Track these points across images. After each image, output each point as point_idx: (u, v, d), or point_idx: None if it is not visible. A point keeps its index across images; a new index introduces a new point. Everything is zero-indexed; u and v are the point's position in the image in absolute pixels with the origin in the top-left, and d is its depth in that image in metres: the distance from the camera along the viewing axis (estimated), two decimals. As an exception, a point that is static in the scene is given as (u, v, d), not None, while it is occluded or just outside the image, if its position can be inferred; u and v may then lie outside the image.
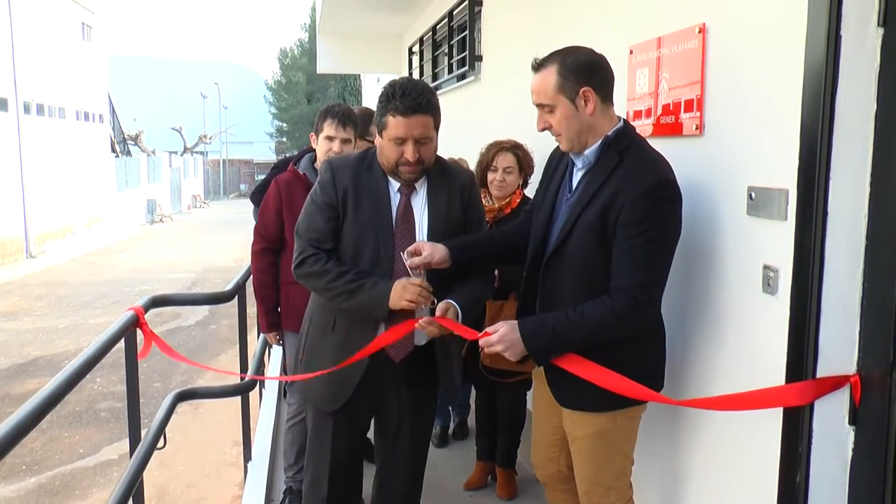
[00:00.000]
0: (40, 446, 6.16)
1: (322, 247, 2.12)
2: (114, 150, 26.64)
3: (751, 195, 1.82)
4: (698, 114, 2.07)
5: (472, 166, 3.14)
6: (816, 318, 1.60)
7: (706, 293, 2.05)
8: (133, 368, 2.42)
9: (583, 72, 1.87)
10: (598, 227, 1.86)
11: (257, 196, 3.23)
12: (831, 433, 1.63)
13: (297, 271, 2.15)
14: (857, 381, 1.59)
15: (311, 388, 2.24)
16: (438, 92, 5.93)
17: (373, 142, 2.26)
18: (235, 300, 3.61)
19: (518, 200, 3.01)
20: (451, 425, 3.93)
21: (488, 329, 1.92)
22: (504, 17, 4.21)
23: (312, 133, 3.01)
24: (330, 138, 2.89)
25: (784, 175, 1.69)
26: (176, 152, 36.16)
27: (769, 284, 1.76)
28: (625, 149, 1.88)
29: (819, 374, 1.61)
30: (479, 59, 4.70)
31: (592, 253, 1.88)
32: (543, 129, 1.96)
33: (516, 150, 3.01)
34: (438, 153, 2.21)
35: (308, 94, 40.80)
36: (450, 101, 5.60)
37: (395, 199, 2.14)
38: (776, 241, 1.73)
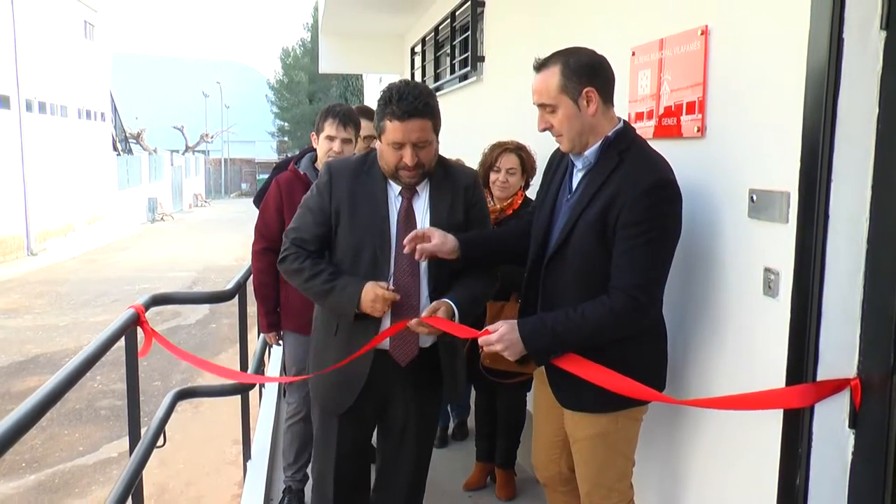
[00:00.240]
0: (40, 444, 6.16)
1: (305, 247, 2.15)
2: (115, 148, 26.66)
3: (752, 197, 1.82)
4: (700, 116, 2.07)
5: (471, 167, 3.13)
6: (817, 321, 1.60)
7: (707, 295, 2.05)
8: (133, 366, 2.43)
9: (586, 72, 1.88)
10: (599, 228, 1.86)
11: (260, 199, 3.22)
12: (831, 436, 1.63)
13: (280, 267, 2.22)
14: (858, 384, 1.59)
15: (319, 390, 2.25)
16: (440, 93, 5.93)
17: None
18: (236, 299, 3.61)
19: (520, 202, 3.01)
20: (451, 426, 3.93)
21: (488, 328, 1.93)
22: (506, 17, 4.21)
23: (313, 132, 3.01)
24: (330, 138, 2.89)
25: (785, 178, 1.68)
26: (177, 151, 36.18)
27: (770, 287, 1.76)
28: (625, 149, 1.89)
29: (819, 378, 1.61)
30: (482, 59, 4.70)
31: (593, 253, 1.89)
32: (544, 130, 1.96)
33: (519, 151, 3.02)
34: (441, 154, 2.21)
35: (310, 93, 40.81)
36: (452, 101, 5.60)
37: (397, 202, 2.13)
38: (777, 244, 1.73)
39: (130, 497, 2.13)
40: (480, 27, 4.77)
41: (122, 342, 2.31)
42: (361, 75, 19.13)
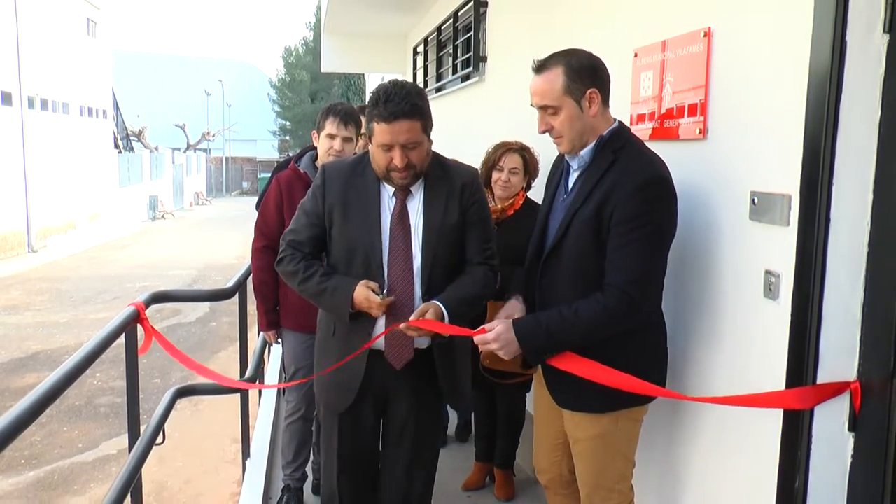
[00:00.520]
0: (39, 440, 6.17)
1: (301, 249, 2.18)
2: (117, 145, 26.67)
3: (753, 200, 1.81)
4: (702, 118, 2.07)
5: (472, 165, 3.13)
6: (818, 324, 1.60)
7: (707, 297, 2.05)
8: (133, 364, 2.43)
9: (588, 74, 1.90)
10: (594, 225, 1.87)
11: (261, 202, 3.22)
12: (831, 439, 1.63)
13: (277, 269, 2.25)
14: (858, 387, 1.59)
15: (320, 390, 2.28)
16: (442, 93, 5.93)
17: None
18: (236, 297, 3.61)
19: (521, 202, 3.01)
20: (451, 426, 3.93)
21: (483, 326, 1.94)
22: (509, 18, 4.21)
23: (314, 131, 3.01)
24: (331, 136, 2.89)
25: (787, 180, 1.68)
26: (179, 149, 36.19)
27: (770, 290, 1.75)
28: (619, 148, 1.91)
29: (819, 380, 1.61)
30: (484, 60, 4.70)
31: (588, 251, 1.90)
32: (545, 132, 1.97)
33: (523, 151, 3.02)
34: (443, 153, 2.21)
35: (312, 92, 40.83)
36: (453, 101, 5.60)
37: (391, 203, 2.13)
38: (778, 247, 1.73)
39: (129, 494, 2.13)
40: (483, 27, 4.77)
41: (121, 339, 2.31)
42: (364, 75, 19.13)
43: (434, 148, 2.18)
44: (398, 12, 6.96)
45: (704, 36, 2.04)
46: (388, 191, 2.13)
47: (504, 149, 3.02)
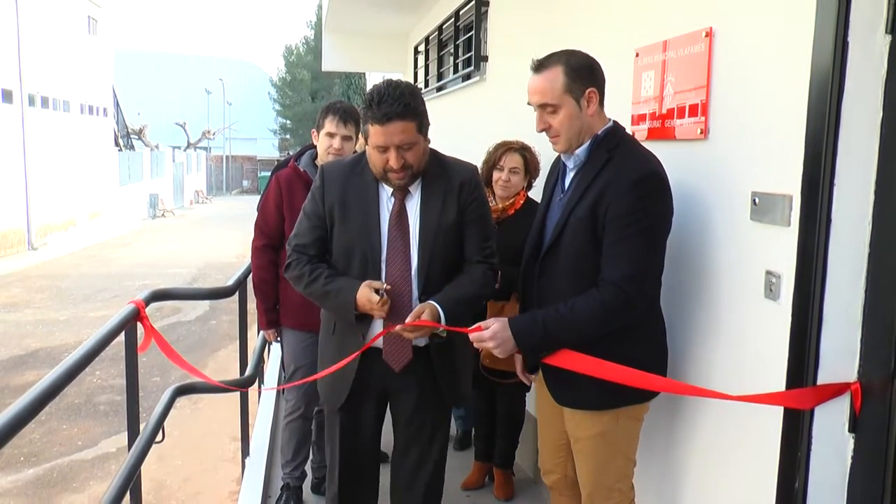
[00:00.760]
0: (39, 438, 6.17)
1: (306, 252, 2.19)
2: (117, 144, 26.66)
3: (754, 200, 1.81)
4: (703, 118, 2.06)
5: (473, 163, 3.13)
6: (818, 325, 1.60)
7: (707, 297, 2.04)
8: (133, 362, 2.43)
9: (587, 73, 1.93)
10: (590, 223, 1.89)
11: None
12: (831, 440, 1.62)
13: (285, 275, 2.25)
14: (858, 388, 1.58)
15: (321, 386, 2.31)
16: (443, 92, 5.92)
17: None
18: (236, 296, 3.61)
19: (522, 202, 3.01)
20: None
21: (480, 324, 1.94)
22: (510, 18, 4.21)
23: (314, 129, 3.01)
24: (331, 135, 2.89)
25: (788, 181, 1.68)
26: (179, 147, 36.20)
27: (771, 290, 1.75)
28: (614, 147, 1.93)
29: (820, 381, 1.61)
30: (485, 59, 4.69)
31: (585, 249, 1.91)
32: (542, 130, 1.97)
33: (524, 151, 3.02)
34: (443, 152, 2.21)
35: (312, 91, 40.82)
36: (454, 101, 5.59)
37: (389, 203, 2.13)
38: (779, 247, 1.72)
39: (129, 492, 2.13)
40: (484, 27, 4.77)
41: (121, 337, 2.31)
42: (364, 74, 19.13)
43: (435, 147, 2.18)
44: (399, 11, 6.96)
45: (706, 36, 2.04)
46: (386, 191, 2.13)
47: (505, 148, 3.02)
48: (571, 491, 2.22)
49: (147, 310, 2.47)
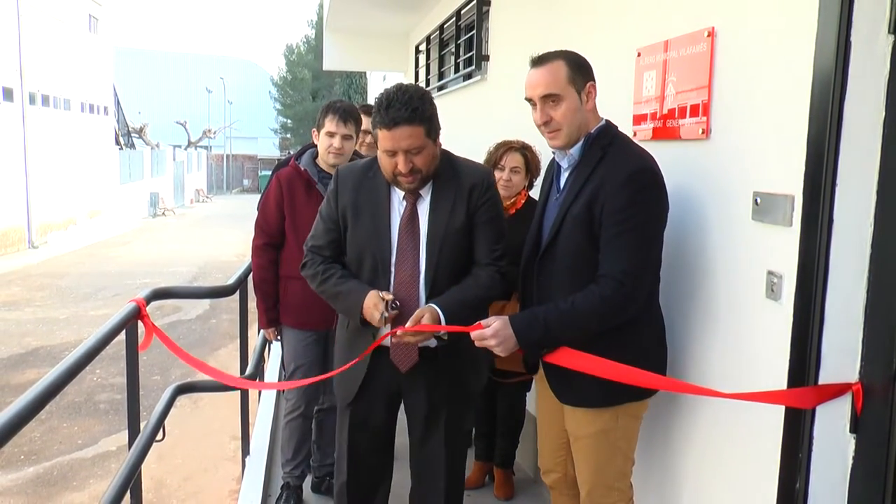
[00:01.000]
0: (39, 436, 6.17)
1: (321, 253, 2.23)
2: (118, 142, 26.66)
3: (756, 200, 1.81)
4: (705, 118, 2.06)
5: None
6: (820, 325, 1.60)
7: (709, 297, 2.04)
8: (133, 360, 2.43)
9: (586, 68, 1.99)
10: (586, 220, 1.91)
11: None
12: (832, 441, 1.62)
13: (301, 273, 2.29)
14: (860, 389, 1.58)
15: (335, 381, 2.34)
16: (444, 91, 5.92)
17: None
18: (237, 295, 3.61)
19: (523, 201, 3.01)
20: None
21: (480, 322, 1.94)
22: (512, 17, 4.20)
23: (314, 129, 3.01)
24: (331, 134, 2.89)
25: (790, 181, 1.68)
26: (180, 146, 36.22)
27: (773, 290, 1.75)
28: (607, 144, 1.96)
29: (821, 381, 1.61)
30: (486, 58, 4.69)
31: (582, 246, 1.93)
32: (545, 123, 1.97)
33: (525, 150, 3.01)
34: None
35: (313, 90, 40.83)
36: (455, 100, 5.59)
37: (401, 207, 2.15)
38: (781, 247, 1.72)
39: (129, 491, 2.13)
40: (485, 26, 4.77)
41: (121, 336, 2.31)
42: (365, 73, 19.14)
43: (436, 146, 2.18)
44: (400, 10, 6.95)
45: (708, 36, 2.04)
46: (398, 194, 2.15)
47: (505, 148, 3.02)
48: (571, 490, 2.23)
49: (147, 308, 2.47)
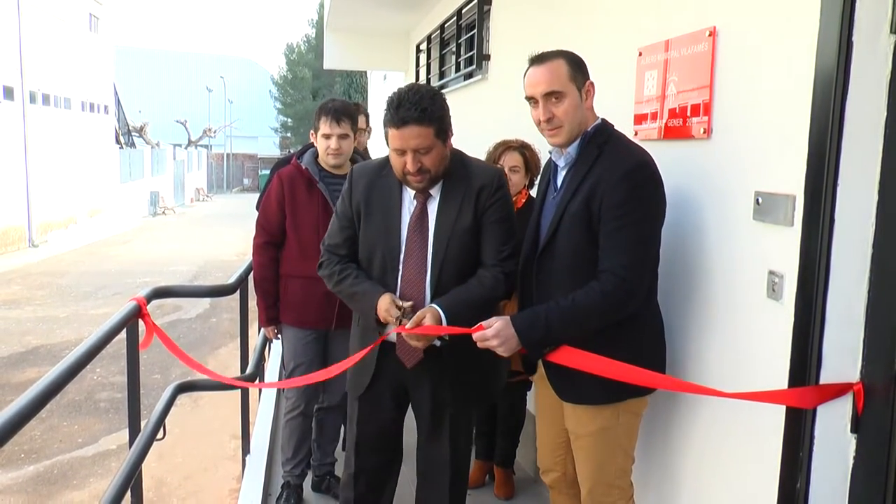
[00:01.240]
0: (39, 435, 6.17)
1: (337, 252, 2.26)
2: (118, 141, 26.65)
3: (757, 200, 1.81)
4: (706, 118, 2.06)
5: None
6: (821, 325, 1.60)
7: (710, 297, 2.04)
8: (134, 359, 2.43)
9: (584, 68, 2.01)
10: (584, 217, 1.91)
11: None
12: (833, 441, 1.62)
13: (319, 273, 2.32)
14: (861, 389, 1.58)
15: (347, 374, 2.37)
16: (445, 90, 5.91)
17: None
18: (237, 294, 3.61)
19: (523, 200, 3.01)
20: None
21: (482, 323, 1.94)
22: (513, 16, 4.20)
23: (312, 131, 3.01)
24: (327, 136, 2.88)
25: (791, 181, 1.68)
26: (180, 145, 36.21)
27: (774, 290, 1.75)
28: (604, 142, 1.97)
29: (822, 381, 1.61)
30: (487, 58, 4.69)
31: (581, 244, 1.94)
32: (547, 119, 1.98)
33: (524, 149, 3.01)
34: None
35: (314, 90, 40.82)
36: (456, 100, 5.58)
37: (412, 206, 2.16)
38: (782, 247, 1.72)
39: (129, 490, 2.13)
40: (486, 26, 4.77)
41: (122, 335, 2.31)
42: (366, 72, 19.12)
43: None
44: (401, 10, 6.94)
45: (709, 35, 2.03)
46: (409, 193, 2.17)
47: (504, 147, 3.02)
48: (571, 489, 2.23)
49: (148, 307, 2.47)
